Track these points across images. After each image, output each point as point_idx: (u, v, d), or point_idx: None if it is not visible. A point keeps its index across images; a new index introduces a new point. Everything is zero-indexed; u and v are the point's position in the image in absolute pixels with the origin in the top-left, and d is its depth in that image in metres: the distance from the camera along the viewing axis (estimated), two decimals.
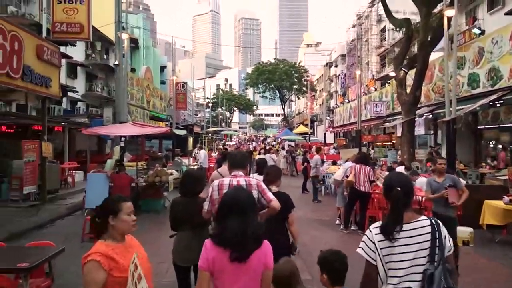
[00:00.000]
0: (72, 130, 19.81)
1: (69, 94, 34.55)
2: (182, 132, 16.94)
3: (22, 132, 18.83)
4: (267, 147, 27.73)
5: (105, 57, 37.58)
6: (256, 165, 6.45)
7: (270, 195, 3.81)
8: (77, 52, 36.88)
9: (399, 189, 2.46)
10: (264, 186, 3.87)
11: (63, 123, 18.36)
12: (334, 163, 16.21)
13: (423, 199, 9.63)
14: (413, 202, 2.69)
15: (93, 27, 34.57)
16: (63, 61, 34.54)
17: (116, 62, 19.58)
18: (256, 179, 4.04)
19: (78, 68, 37.57)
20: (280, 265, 2.79)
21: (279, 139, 48.71)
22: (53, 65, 12.57)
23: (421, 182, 10.84)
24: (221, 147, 35.50)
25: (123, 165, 12.87)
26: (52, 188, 13.57)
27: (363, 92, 35.31)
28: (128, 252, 2.64)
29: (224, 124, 75.17)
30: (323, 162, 15.91)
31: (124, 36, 19.18)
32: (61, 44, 32.61)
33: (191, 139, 23.69)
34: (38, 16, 30.49)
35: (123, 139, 19.82)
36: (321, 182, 15.08)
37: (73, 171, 16.67)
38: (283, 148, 30.02)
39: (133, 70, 35.03)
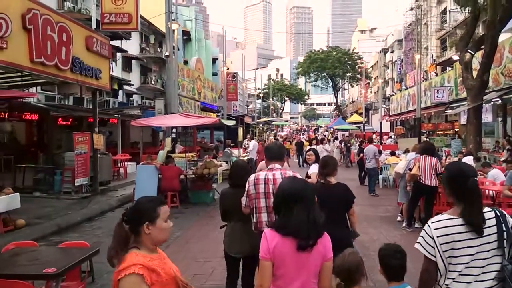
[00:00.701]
0: (126, 122, 20.04)
1: (125, 87, 35.44)
2: (231, 122, 16.50)
3: (78, 125, 19.30)
4: (319, 138, 26.81)
5: (158, 50, 38.10)
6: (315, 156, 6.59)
7: None
8: (132, 46, 37.70)
9: (475, 178, 2.38)
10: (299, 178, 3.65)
11: (116, 115, 18.56)
12: (392, 153, 15.14)
13: (497, 194, 8.57)
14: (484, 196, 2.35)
15: (146, 20, 35.20)
16: (119, 55, 35.70)
17: (167, 53, 19.47)
18: (292, 171, 3.89)
19: (133, 61, 38.36)
20: (345, 257, 2.79)
21: (332, 129, 47.46)
22: (103, 56, 12.49)
23: (494, 174, 9.70)
24: (272, 137, 35.04)
25: (171, 156, 12.66)
26: (104, 180, 13.62)
27: (423, 78, 33.32)
28: (164, 264, 2.27)
29: (275, 115, 74.52)
30: (380, 152, 14.90)
31: (174, 26, 18.95)
32: (116, 38, 33.56)
33: (241, 130, 23.29)
34: (94, 10, 31.43)
35: (174, 130, 19.87)
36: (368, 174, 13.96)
37: (125, 163, 16.75)
38: (336, 138, 28.93)
39: (185, 62, 35.22)
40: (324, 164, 4.48)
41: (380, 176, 14.36)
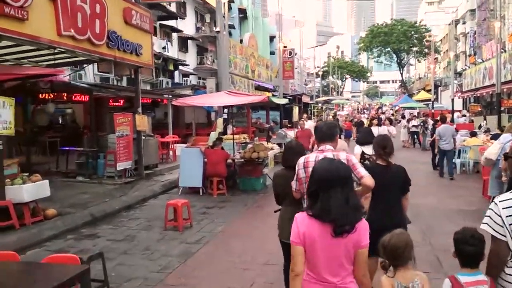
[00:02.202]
0: None
1: (180, 68, 35.01)
2: (283, 101, 15.13)
3: (131, 106, 18.81)
4: (382, 117, 24.57)
5: (214, 29, 37.22)
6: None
7: (362, 171, 3.47)
8: (188, 26, 37.11)
9: None
10: (354, 161, 3.56)
11: (166, 96, 17.79)
12: (473, 134, 13.04)
13: None
14: None
15: None
16: (174, 35, 35.27)
17: (217, 29, 18.29)
18: (345, 153, 3.64)
19: (189, 41, 37.86)
20: (393, 236, 2.73)
21: (397, 107, 44.50)
22: (144, 30, 11.52)
23: None
24: (330, 117, 33.11)
25: (220, 139, 11.56)
26: (150, 163, 12.84)
27: (502, 49, 29.71)
28: None
29: (335, 93, 71.74)
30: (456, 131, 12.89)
31: None
32: (170, 17, 33.06)
33: (296, 109, 21.77)
34: None
35: (226, 110, 18.82)
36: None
37: (175, 145, 15.94)
38: (403, 117, 26.57)
39: (242, 41, 34.13)
40: (383, 144, 4.17)
41: (458, 160, 12.38)
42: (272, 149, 11.64)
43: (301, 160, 3.59)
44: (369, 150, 5.60)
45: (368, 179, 3.43)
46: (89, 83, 13.78)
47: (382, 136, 4.65)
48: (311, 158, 3.50)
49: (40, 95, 13.81)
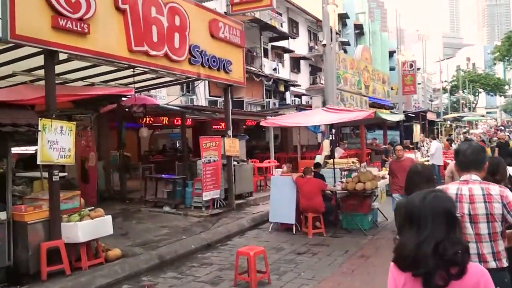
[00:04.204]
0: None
1: (292, 88, 33.96)
2: (396, 117, 12.68)
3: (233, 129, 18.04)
4: None
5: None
6: None
7: None
8: (300, 46, 36.15)
9: None
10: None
11: (258, 116, 16.52)
12: None
13: None
14: None
15: (313, 16, 33.00)
16: (286, 56, 34.51)
17: (324, 42, 16.63)
18: (498, 187, 2.72)
19: (301, 61, 36.83)
20: None
21: None
22: (234, 45, 10.36)
23: None
24: (461, 136, 28.82)
25: (319, 164, 9.79)
26: (244, 191, 11.51)
27: None
28: None
29: (466, 110, 64.31)
30: None
31: (331, 8, 16.02)
32: (282, 38, 32.35)
33: (417, 127, 18.79)
34: (259, 12, 30.74)
35: (333, 130, 16.97)
36: None
37: (275, 170, 14.44)
38: None
39: None
40: (494, 168, 3.56)
41: None
42: (384, 177, 9.40)
43: None
44: None
45: None
46: (180, 105, 13.06)
47: (491, 157, 4.09)
48: (452, 189, 2.81)
49: (140, 120, 13.59)
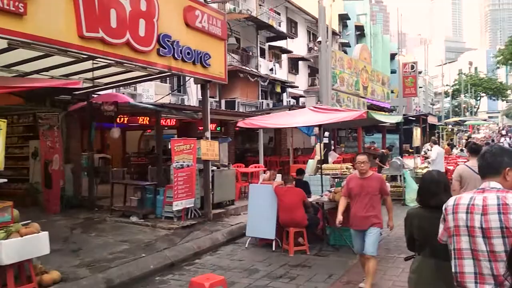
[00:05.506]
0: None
1: (289, 90, 32.90)
2: (392, 119, 11.58)
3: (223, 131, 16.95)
4: None
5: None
6: None
7: None
8: (299, 46, 35.10)
9: None
10: None
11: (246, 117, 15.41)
12: None
13: None
14: None
15: (313, 17, 31.95)
16: (284, 56, 33.45)
17: (319, 39, 15.57)
18: None
19: (300, 62, 35.83)
20: None
21: None
22: (214, 36, 9.27)
23: None
24: (464, 141, 27.73)
25: (302, 171, 8.70)
26: (223, 200, 10.42)
27: None
28: None
29: (468, 114, 63.22)
30: None
31: (327, 2, 14.93)
32: (279, 38, 31.32)
33: (418, 131, 17.69)
34: (256, 10, 29.68)
35: (327, 134, 15.92)
36: None
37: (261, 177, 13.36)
38: None
39: None
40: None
41: None
42: None
43: (451, 201, 2.58)
44: None
45: None
46: (155, 103, 11.97)
47: None
48: (464, 200, 2.48)
49: (118, 120, 12.53)
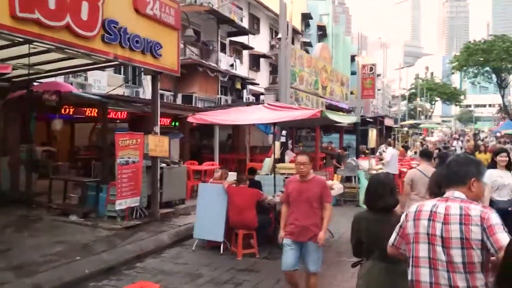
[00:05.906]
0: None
1: (250, 87, 32.54)
2: (347, 119, 11.44)
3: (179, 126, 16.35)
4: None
5: (292, 47, 34.54)
6: None
7: (503, 238, 2.14)
8: (260, 43, 34.81)
9: None
10: (495, 221, 2.22)
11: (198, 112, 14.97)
12: None
13: None
14: None
15: (276, 14, 31.94)
16: (245, 52, 33.06)
17: (279, 35, 15.29)
18: (481, 207, 2.31)
19: (261, 59, 35.55)
20: None
21: (498, 134, 38.18)
22: (166, 25, 8.76)
23: None
24: (418, 143, 28.43)
25: (254, 170, 8.38)
26: (173, 199, 9.95)
27: None
28: None
29: (423, 117, 65.27)
30: None
31: None
32: (241, 33, 30.90)
33: (373, 132, 17.84)
34: (217, 3, 29.13)
35: (284, 132, 15.71)
36: None
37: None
38: None
39: None
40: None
41: None
42: (332, 188, 8.09)
43: (413, 208, 2.52)
44: None
45: None
46: (101, 94, 11.30)
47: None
48: (427, 207, 2.44)
49: (63, 111, 11.74)
